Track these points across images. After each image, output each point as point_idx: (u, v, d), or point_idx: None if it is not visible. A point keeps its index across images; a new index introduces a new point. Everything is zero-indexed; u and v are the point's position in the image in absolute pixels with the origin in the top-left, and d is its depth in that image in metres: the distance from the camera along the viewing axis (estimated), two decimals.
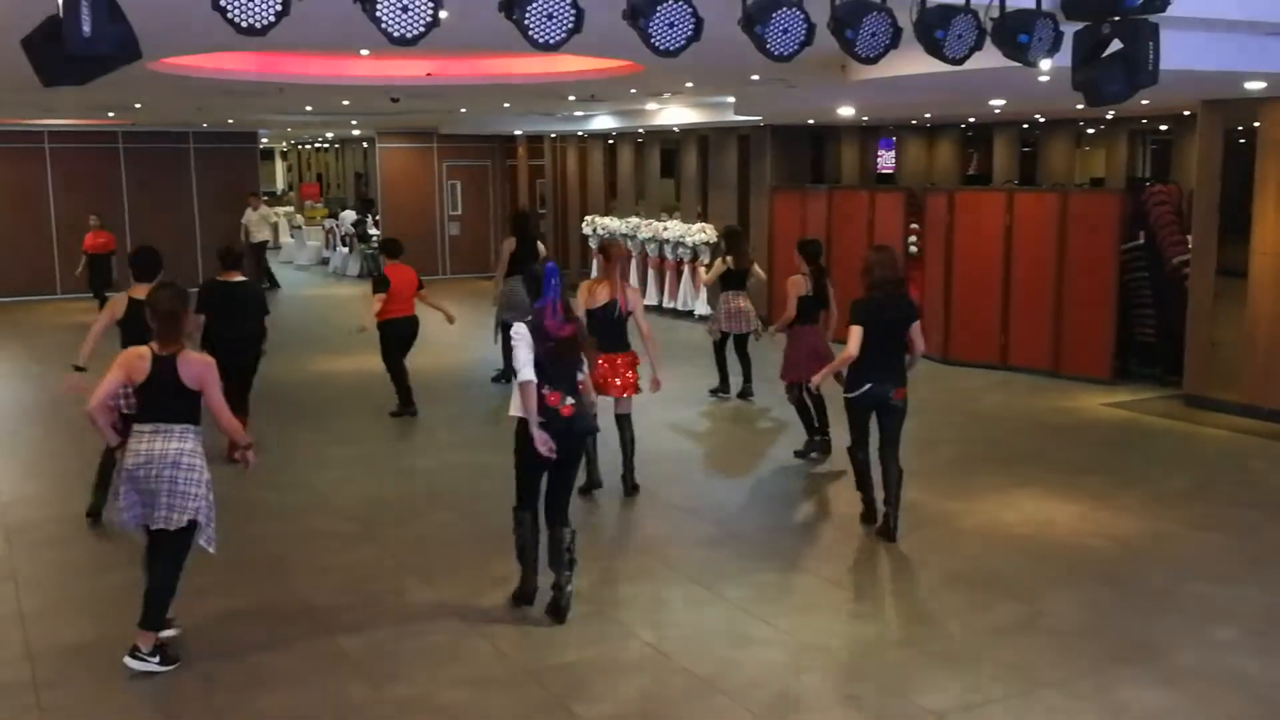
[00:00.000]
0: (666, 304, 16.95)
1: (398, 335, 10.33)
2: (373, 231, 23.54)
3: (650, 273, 17.43)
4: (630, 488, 7.98)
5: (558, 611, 5.78)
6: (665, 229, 16.80)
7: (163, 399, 5.26)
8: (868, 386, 6.92)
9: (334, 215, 26.39)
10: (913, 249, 13.50)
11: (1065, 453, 9.17)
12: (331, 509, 7.83)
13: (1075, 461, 8.89)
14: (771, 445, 9.61)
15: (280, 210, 30.33)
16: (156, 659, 5.27)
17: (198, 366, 5.33)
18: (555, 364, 5.69)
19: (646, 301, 17.39)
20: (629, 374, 7.86)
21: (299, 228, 27.39)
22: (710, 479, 8.60)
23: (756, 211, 16.07)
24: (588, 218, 19.27)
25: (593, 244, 18.52)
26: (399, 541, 7.13)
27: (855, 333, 6.81)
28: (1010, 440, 9.58)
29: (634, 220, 17.85)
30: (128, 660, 5.23)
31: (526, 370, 5.60)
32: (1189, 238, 11.23)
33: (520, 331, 5.68)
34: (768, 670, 5.29)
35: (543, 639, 5.64)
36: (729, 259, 10.99)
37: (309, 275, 24.10)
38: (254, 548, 7.01)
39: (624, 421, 7.96)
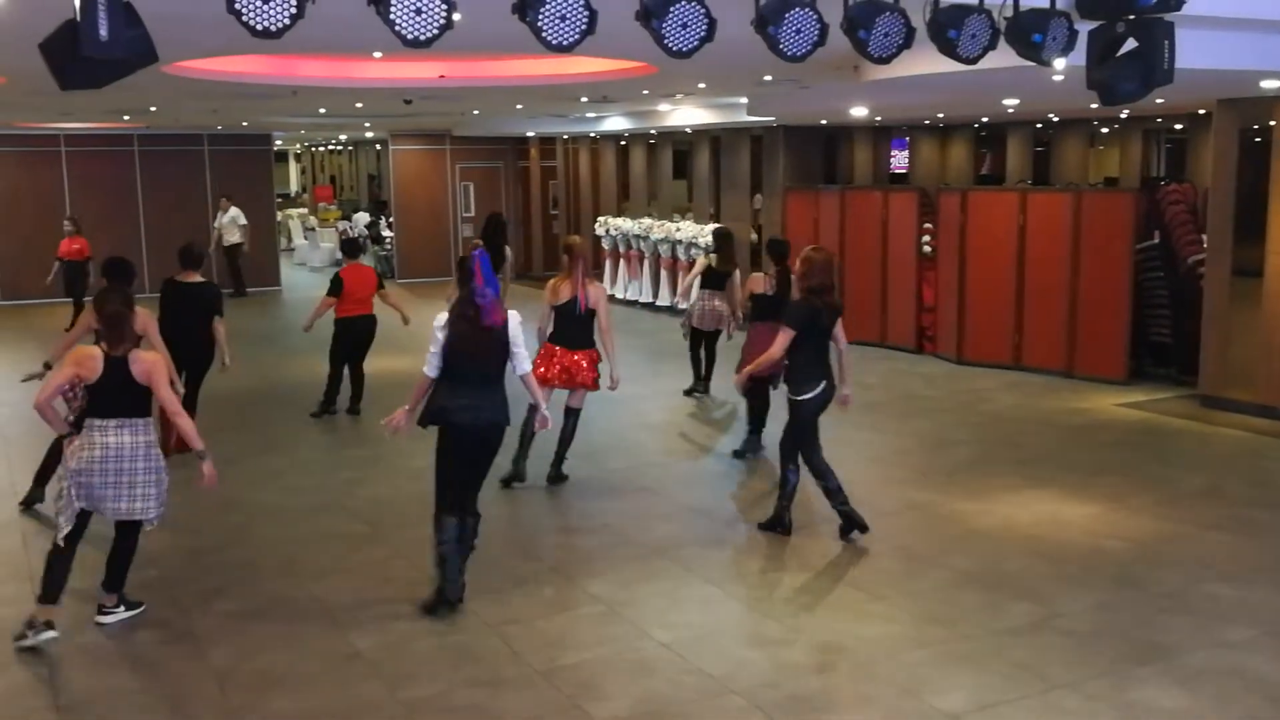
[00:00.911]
0: (680, 305, 16.93)
1: (350, 334, 10.49)
2: (386, 233, 23.60)
3: (663, 273, 17.44)
4: (556, 477, 8.22)
5: (451, 605, 5.92)
6: (678, 230, 16.80)
7: (118, 396, 5.58)
8: (824, 385, 6.89)
9: (347, 217, 26.51)
10: (926, 249, 13.48)
11: (1079, 453, 9.14)
12: (343, 510, 7.86)
13: (1089, 462, 8.86)
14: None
15: (295, 212, 30.44)
16: (123, 608, 5.86)
17: (146, 364, 5.65)
18: (470, 356, 5.80)
19: (659, 302, 17.46)
20: (588, 371, 8.02)
21: (312, 230, 27.47)
22: (722, 479, 8.59)
23: (769, 212, 16.06)
24: (600, 218, 19.29)
25: (605, 245, 18.55)
26: (411, 542, 7.13)
27: (785, 336, 6.77)
28: (1024, 441, 9.55)
29: (646, 221, 17.86)
30: (100, 619, 5.79)
31: (431, 365, 5.85)
32: (1204, 237, 11.19)
33: (439, 322, 5.82)
34: (781, 670, 5.28)
35: (556, 639, 5.65)
36: (712, 258, 11.16)
37: (322, 277, 24.12)
38: (267, 549, 7.05)
39: (571, 415, 8.20)
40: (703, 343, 11.31)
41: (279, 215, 24.77)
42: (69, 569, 5.63)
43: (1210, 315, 10.72)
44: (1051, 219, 12.04)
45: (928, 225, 13.48)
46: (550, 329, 8.03)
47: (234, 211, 19.93)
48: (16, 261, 19.50)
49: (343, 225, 25.81)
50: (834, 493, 7.04)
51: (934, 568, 6.61)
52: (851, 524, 7.03)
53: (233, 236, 19.94)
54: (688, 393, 11.34)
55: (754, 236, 16.86)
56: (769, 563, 6.77)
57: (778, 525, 7.14)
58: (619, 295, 17.93)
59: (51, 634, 5.50)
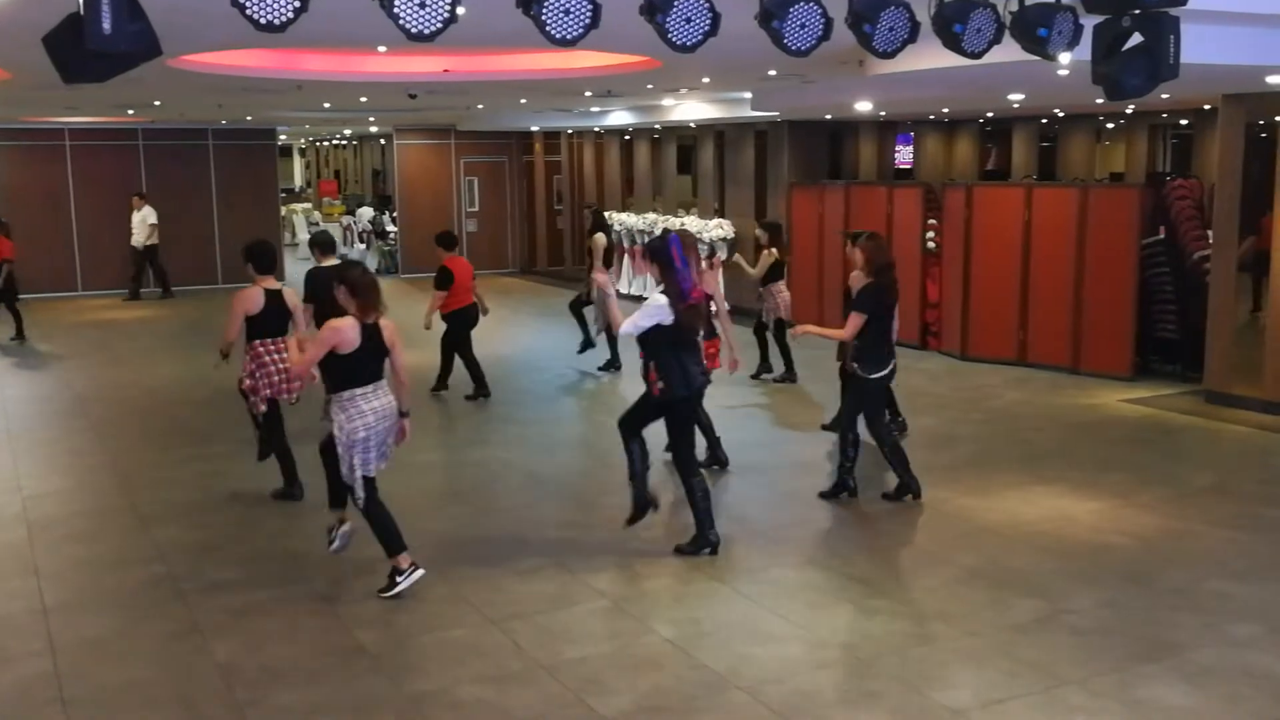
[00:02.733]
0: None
1: (466, 322, 10.94)
2: (390, 228, 23.61)
3: None
4: (722, 460, 8.52)
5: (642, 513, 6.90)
6: (682, 225, 16.78)
7: (374, 361, 6.02)
8: (893, 365, 7.61)
9: (351, 212, 26.54)
10: (931, 245, 13.46)
11: (1085, 450, 9.12)
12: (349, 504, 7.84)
13: (1095, 458, 8.85)
14: (793, 442, 9.61)
15: (300, 207, 30.46)
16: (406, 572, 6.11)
17: (392, 329, 6.15)
18: (684, 329, 6.45)
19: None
20: (710, 355, 8.37)
21: (316, 224, 27.51)
22: (730, 476, 8.58)
23: (774, 207, 16.04)
24: (605, 213, 19.25)
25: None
26: (416, 537, 7.10)
27: (856, 319, 7.41)
28: (1030, 437, 9.54)
29: (651, 216, 17.83)
30: (408, 579, 6.09)
31: (637, 328, 6.44)
32: (1210, 233, 11.16)
33: (659, 302, 6.39)
34: (785, 666, 5.28)
35: (560, 634, 5.65)
36: (774, 251, 11.45)
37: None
38: (272, 543, 7.05)
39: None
40: (771, 329, 11.66)
41: (283, 210, 24.80)
42: (389, 519, 6.12)
43: (1216, 311, 10.69)
44: (1057, 214, 12.01)
45: (932, 221, 13.46)
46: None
47: (145, 210, 19.04)
48: (21, 255, 19.48)
49: (346, 220, 25.83)
50: (896, 452, 7.69)
51: (940, 564, 6.60)
52: (906, 490, 7.66)
53: (141, 236, 18.99)
54: (778, 380, 11.70)
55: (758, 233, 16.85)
56: (774, 558, 6.76)
57: (841, 490, 7.74)
58: (624, 290, 17.91)
59: (419, 572, 6.14)
